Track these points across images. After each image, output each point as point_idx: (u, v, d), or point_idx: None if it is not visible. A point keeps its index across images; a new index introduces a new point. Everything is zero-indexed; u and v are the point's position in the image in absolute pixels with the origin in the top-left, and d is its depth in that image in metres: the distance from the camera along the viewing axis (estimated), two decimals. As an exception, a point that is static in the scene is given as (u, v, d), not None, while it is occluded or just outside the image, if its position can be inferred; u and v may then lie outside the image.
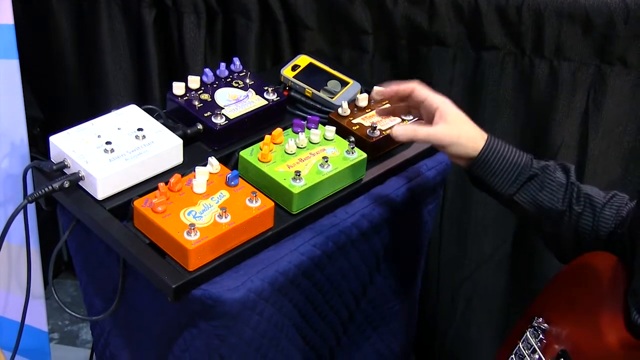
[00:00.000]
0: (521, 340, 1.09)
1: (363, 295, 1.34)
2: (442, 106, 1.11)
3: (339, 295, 1.27)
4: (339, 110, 1.31)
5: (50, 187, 1.11)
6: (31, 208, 1.35)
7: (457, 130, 1.11)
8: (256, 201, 1.11)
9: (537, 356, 1.05)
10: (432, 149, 1.34)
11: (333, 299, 1.27)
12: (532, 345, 1.07)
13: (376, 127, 1.27)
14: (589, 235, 1.11)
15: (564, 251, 1.15)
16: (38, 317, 1.48)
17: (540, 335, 1.07)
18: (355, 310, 1.35)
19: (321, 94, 1.36)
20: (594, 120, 1.50)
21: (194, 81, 1.28)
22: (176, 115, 1.27)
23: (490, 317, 1.76)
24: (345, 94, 1.36)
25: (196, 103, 1.25)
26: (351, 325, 1.36)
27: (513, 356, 1.10)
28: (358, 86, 1.38)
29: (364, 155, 1.22)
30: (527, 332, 1.09)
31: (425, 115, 1.15)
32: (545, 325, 1.07)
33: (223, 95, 1.28)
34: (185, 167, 1.19)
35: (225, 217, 1.08)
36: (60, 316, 1.99)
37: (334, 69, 1.40)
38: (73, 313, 1.24)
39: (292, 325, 1.21)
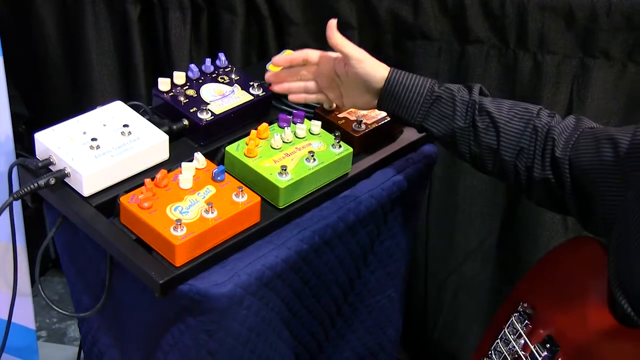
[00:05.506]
0: (507, 325, 1.10)
1: (350, 289, 1.34)
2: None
3: (326, 289, 1.28)
4: (325, 104, 1.31)
5: (35, 184, 1.11)
6: (17, 205, 1.34)
7: (365, 53, 1.17)
8: (242, 196, 1.11)
9: (522, 341, 1.06)
10: (418, 144, 1.35)
11: (320, 292, 1.27)
12: (517, 330, 1.07)
13: (362, 121, 1.28)
14: (504, 156, 1.10)
15: (519, 186, 1.12)
16: (25, 315, 1.48)
17: (526, 321, 1.07)
18: (343, 304, 1.35)
19: (307, 89, 1.36)
20: (578, 112, 1.50)
21: (179, 77, 1.28)
22: (162, 111, 1.27)
23: (478, 309, 1.77)
24: (330, 88, 1.36)
25: (182, 99, 1.25)
26: (339, 319, 1.37)
27: (499, 341, 1.10)
28: (343, 80, 1.38)
29: (350, 149, 1.22)
30: (513, 317, 1.09)
31: (323, 79, 1.22)
32: (531, 310, 1.07)
33: (209, 91, 1.28)
34: (172, 163, 1.19)
35: (212, 213, 1.08)
36: (47, 314, 1.99)
37: (320, 64, 1.40)
38: (61, 310, 1.24)
39: (280, 320, 1.22)
